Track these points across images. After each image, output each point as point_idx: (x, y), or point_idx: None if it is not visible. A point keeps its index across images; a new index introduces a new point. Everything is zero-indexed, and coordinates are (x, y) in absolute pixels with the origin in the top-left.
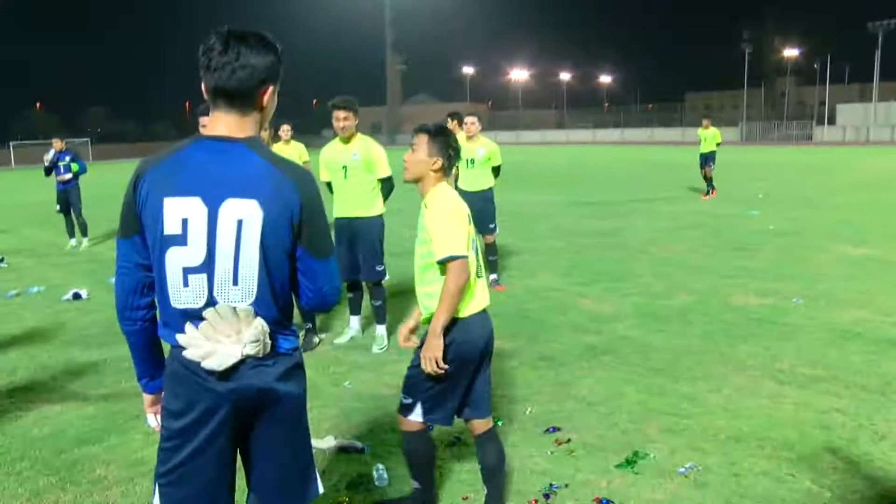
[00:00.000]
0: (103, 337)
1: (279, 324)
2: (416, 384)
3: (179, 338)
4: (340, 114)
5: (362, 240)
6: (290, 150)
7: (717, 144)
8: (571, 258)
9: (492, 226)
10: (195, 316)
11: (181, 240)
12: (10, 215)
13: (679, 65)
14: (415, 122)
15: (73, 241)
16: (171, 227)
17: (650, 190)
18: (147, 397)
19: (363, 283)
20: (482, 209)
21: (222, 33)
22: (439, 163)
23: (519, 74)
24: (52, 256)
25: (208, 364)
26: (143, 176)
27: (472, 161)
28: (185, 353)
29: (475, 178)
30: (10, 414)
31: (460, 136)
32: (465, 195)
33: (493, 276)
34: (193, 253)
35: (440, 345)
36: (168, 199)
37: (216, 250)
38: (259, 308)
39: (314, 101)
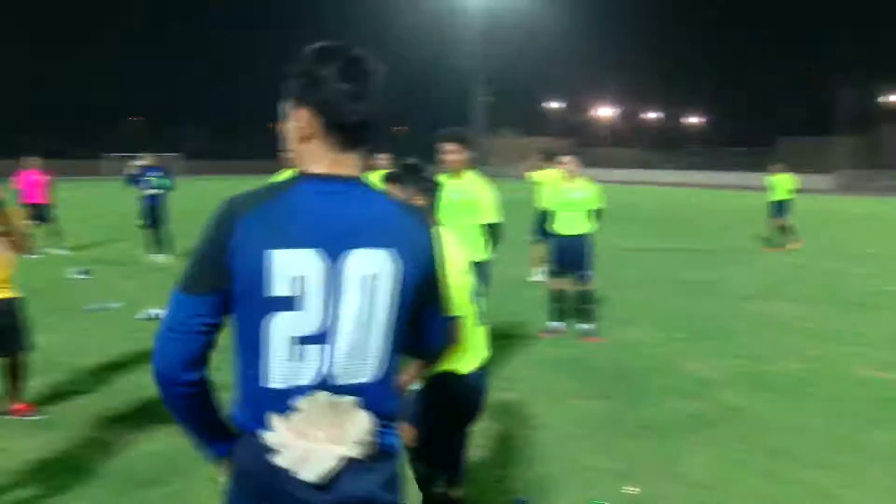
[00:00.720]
0: None
1: (390, 411)
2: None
3: (269, 438)
4: (448, 146)
5: None
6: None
7: (792, 191)
8: (667, 309)
9: (587, 273)
10: (297, 396)
11: (292, 303)
12: (97, 226)
13: (771, 107)
14: (500, 156)
15: (155, 256)
16: (278, 286)
17: (744, 238)
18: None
19: None
20: (577, 254)
21: (356, 54)
22: (419, 202)
23: (604, 111)
24: (134, 271)
25: (305, 475)
26: (236, 220)
27: (569, 203)
28: (276, 460)
29: (572, 221)
30: (75, 444)
31: (555, 176)
32: (560, 239)
33: (587, 327)
34: (308, 319)
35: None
36: (274, 251)
37: (339, 315)
38: (375, 390)
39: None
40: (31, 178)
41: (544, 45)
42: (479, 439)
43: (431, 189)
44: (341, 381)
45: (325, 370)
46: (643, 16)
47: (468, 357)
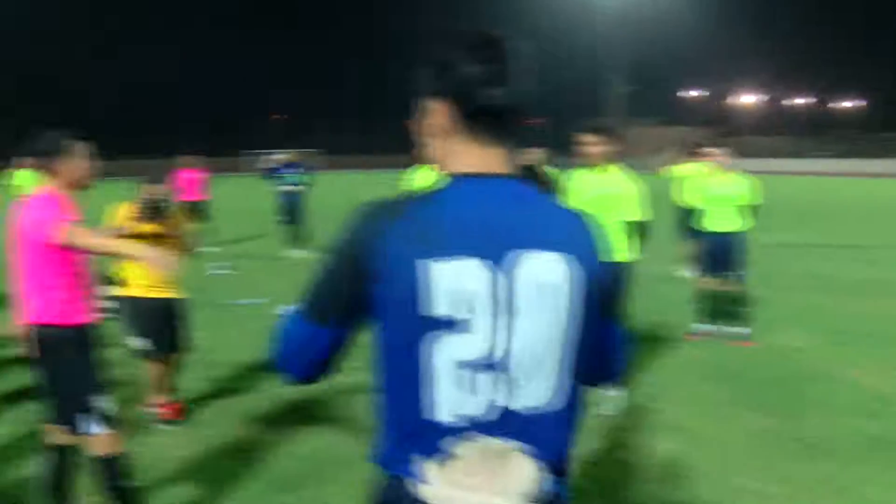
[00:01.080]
0: None
1: (562, 455)
2: None
3: (425, 492)
4: (588, 138)
5: None
6: None
7: None
8: (833, 314)
9: (738, 273)
10: (464, 431)
11: (456, 322)
12: (239, 222)
13: None
14: (638, 146)
15: (294, 252)
16: (438, 303)
17: None
18: None
19: None
20: (729, 253)
21: (490, 35)
22: None
23: (747, 98)
24: (277, 266)
25: None
26: (380, 230)
27: (721, 198)
28: None
29: (724, 217)
30: (217, 444)
31: (697, 169)
32: (710, 236)
33: (739, 330)
34: (475, 340)
35: None
36: (431, 263)
37: (513, 332)
38: (550, 426)
39: (542, 121)
40: (188, 176)
41: (682, 30)
42: (618, 451)
43: (547, 192)
44: (514, 412)
45: (497, 400)
46: None
47: None
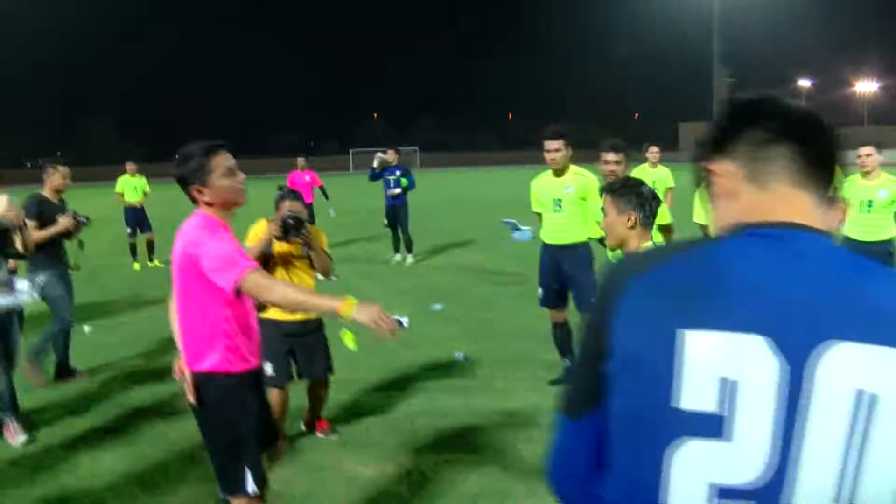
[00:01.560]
0: (429, 383)
1: None
2: None
3: None
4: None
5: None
6: (656, 175)
7: None
8: None
9: None
10: None
11: (715, 424)
12: (344, 223)
13: None
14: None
15: (398, 257)
16: (692, 392)
17: None
18: None
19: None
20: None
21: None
22: (633, 217)
23: (866, 86)
24: (378, 271)
25: None
26: (620, 287)
27: (871, 203)
28: None
29: (871, 224)
30: (319, 472)
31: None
32: (855, 245)
33: None
34: (740, 456)
35: None
36: (686, 332)
37: (801, 454)
38: None
39: (635, 115)
40: (300, 178)
41: (790, 17)
42: None
43: (649, 207)
44: None
45: None
46: None
47: None
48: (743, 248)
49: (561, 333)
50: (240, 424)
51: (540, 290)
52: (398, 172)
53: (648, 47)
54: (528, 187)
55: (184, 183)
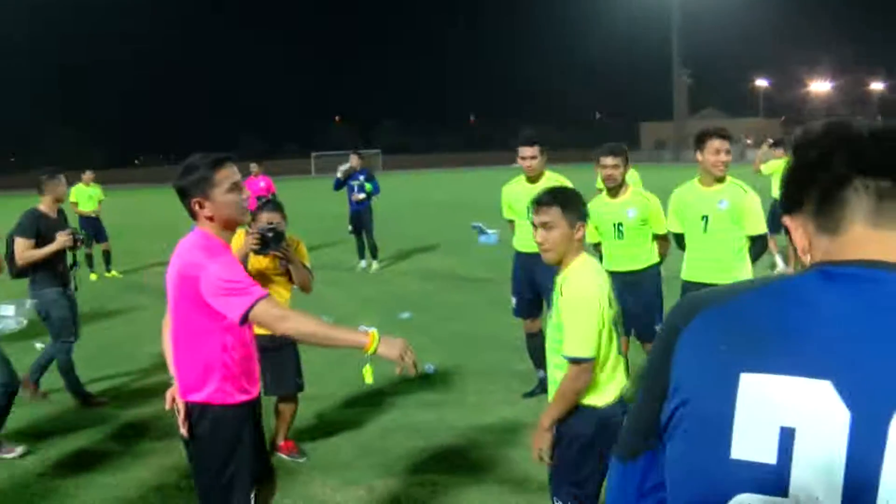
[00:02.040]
0: (398, 398)
1: None
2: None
3: None
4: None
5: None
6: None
7: None
8: None
9: None
10: None
11: (772, 478)
12: (305, 227)
13: None
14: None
15: (363, 263)
16: (748, 441)
17: None
18: None
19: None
20: None
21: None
22: (582, 229)
23: (820, 86)
24: (342, 278)
25: None
26: (682, 324)
27: None
28: None
29: None
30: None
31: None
32: None
33: None
34: None
35: (548, 437)
36: (749, 376)
37: None
38: None
39: (596, 115)
40: (255, 184)
41: (747, 17)
42: None
43: (586, 210)
44: None
45: None
46: None
47: (607, 389)
48: (821, 287)
49: (535, 343)
50: (233, 461)
51: (513, 299)
52: (362, 178)
53: (608, 47)
54: (490, 189)
55: (184, 194)
